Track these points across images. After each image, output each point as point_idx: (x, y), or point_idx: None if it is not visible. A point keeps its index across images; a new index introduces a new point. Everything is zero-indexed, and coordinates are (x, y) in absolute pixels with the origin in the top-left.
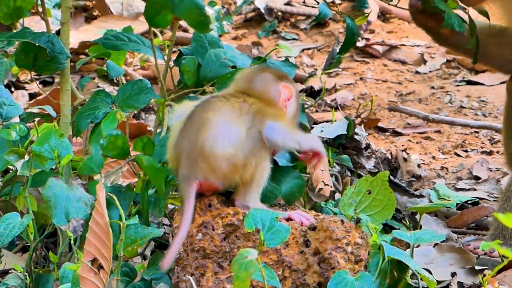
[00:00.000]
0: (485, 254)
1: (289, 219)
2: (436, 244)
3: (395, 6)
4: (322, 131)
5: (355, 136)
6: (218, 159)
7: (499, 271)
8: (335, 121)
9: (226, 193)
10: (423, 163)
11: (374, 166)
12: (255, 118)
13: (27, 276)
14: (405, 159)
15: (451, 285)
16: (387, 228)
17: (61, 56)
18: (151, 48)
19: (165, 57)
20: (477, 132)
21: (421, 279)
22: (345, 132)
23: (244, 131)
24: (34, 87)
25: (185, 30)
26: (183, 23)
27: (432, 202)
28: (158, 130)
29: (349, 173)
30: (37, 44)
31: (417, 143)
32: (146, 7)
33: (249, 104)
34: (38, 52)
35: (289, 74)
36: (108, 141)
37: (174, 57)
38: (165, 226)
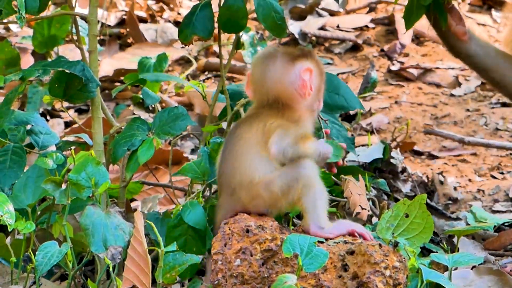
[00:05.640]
0: None
1: (352, 234)
2: (474, 267)
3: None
4: (358, 155)
5: (391, 160)
6: (255, 187)
7: None
8: (371, 145)
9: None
10: (459, 186)
11: (410, 190)
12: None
13: None
14: (441, 182)
15: None
16: (425, 252)
17: (91, 84)
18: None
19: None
20: None
21: None
22: (381, 156)
23: None
24: (70, 114)
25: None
26: (216, 48)
27: (469, 224)
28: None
29: (385, 197)
30: (68, 73)
31: (453, 166)
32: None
33: (270, 124)
34: (70, 81)
35: None
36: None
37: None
38: None
